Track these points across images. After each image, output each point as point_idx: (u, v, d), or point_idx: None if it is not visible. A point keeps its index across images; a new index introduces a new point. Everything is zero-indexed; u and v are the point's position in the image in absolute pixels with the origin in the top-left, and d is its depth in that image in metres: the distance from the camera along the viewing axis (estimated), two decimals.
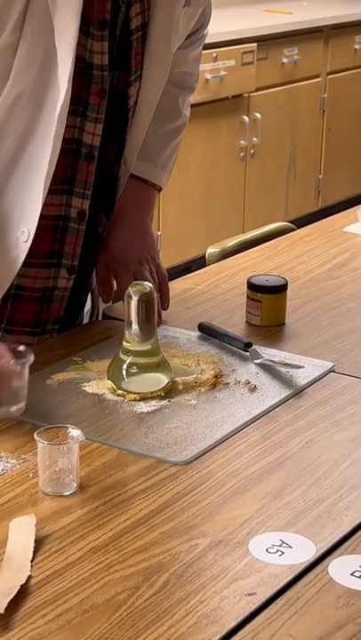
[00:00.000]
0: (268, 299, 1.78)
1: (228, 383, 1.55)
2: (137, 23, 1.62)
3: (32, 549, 1.15)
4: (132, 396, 1.50)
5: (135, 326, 1.51)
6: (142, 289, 1.51)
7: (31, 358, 1.42)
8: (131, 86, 1.66)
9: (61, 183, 1.62)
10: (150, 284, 1.52)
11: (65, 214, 1.66)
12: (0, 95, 1.54)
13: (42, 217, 1.58)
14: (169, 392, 1.51)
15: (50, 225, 1.64)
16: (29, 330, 1.70)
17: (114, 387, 1.51)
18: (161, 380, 1.52)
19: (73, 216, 1.66)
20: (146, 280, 1.66)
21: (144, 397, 1.50)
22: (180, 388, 1.53)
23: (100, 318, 1.84)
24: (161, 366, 1.53)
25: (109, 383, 1.52)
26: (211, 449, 1.38)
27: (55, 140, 1.54)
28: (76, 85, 1.55)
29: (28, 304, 1.69)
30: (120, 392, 1.50)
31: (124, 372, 1.51)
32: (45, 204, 1.58)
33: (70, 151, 1.60)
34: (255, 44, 4.60)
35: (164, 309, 1.77)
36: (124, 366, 1.51)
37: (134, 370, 1.51)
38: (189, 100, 1.88)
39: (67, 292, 1.70)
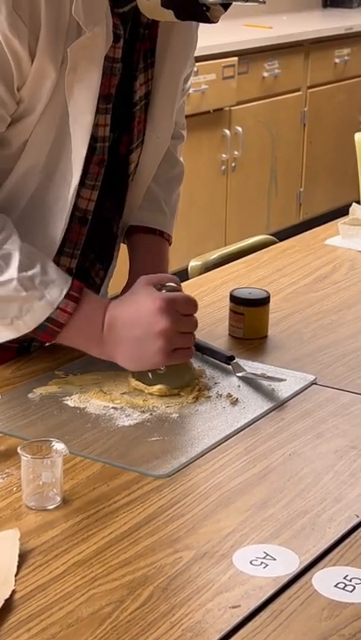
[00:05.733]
0: (250, 311, 1.78)
1: (210, 396, 1.55)
2: (140, 94, 1.64)
3: (16, 563, 1.15)
4: (163, 391, 1.53)
5: None
6: (172, 287, 1.53)
7: None
8: (132, 153, 1.68)
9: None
10: (175, 284, 1.55)
11: None
12: (14, 165, 1.55)
13: None
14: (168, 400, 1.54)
15: None
16: None
17: (143, 385, 1.54)
18: (184, 374, 1.56)
19: None
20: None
21: (172, 393, 1.54)
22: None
23: None
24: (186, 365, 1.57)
25: (136, 383, 1.55)
26: (193, 462, 1.38)
27: (66, 217, 1.57)
28: None
29: (6, 352, 1.68)
30: (150, 390, 1.53)
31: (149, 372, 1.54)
32: None
33: None
34: (236, 59, 4.62)
35: None
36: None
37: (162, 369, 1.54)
38: (181, 149, 1.90)
39: (45, 343, 1.70)
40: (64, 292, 1.49)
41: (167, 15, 1.49)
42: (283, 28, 5.16)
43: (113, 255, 1.77)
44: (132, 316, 1.50)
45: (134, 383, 1.55)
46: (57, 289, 1.49)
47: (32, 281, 1.48)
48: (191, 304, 1.53)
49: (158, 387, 1.54)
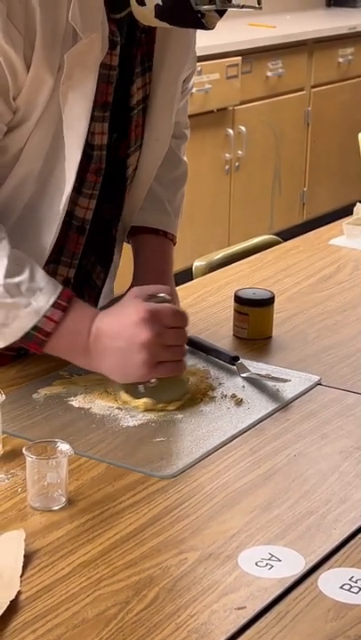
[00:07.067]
0: (254, 312, 1.78)
1: (214, 397, 1.55)
2: (138, 98, 1.64)
3: (21, 564, 1.15)
4: (146, 406, 1.50)
5: None
6: (162, 299, 1.51)
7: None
8: (131, 156, 1.67)
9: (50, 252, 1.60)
10: (166, 295, 1.52)
11: None
12: (9, 174, 1.54)
13: None
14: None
15: None
16: None
17: (130, 398, 1.51)
18: (177, 388, 1.53)
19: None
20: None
21: (159, 408, 1.50)
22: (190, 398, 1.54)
23: None
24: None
25: (125, 396, 1.52)
26: (197, 462, 1.38)
27: (57, 225, 1.56)
28: None
29: (1, 358, 1.68)
30: (135, 403, 1.51)
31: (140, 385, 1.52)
32: None
33: (62, 222, 1.59)
34: (240, 58, 4.62)
35: None
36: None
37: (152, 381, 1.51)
38: (185, 148, 1.89)
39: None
40: (51, 301, 1.47)
41: (162, 22, 1.49)
42: (286, 27, 5.16)
43: (113, 257, 1.77)
44: (117, 327, 1.48)
45: (123, 396, 1.52)
46: (44, 297, 1.47)
47: (18, 288, 1.46)
48: (178, 316, 1.50)
49: (143, 400, 1.51)
